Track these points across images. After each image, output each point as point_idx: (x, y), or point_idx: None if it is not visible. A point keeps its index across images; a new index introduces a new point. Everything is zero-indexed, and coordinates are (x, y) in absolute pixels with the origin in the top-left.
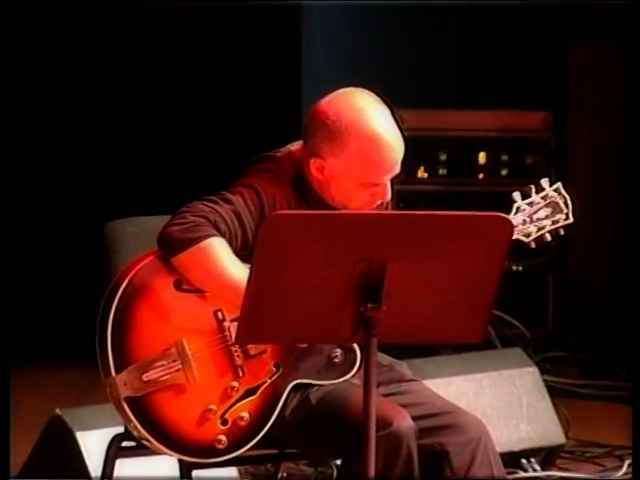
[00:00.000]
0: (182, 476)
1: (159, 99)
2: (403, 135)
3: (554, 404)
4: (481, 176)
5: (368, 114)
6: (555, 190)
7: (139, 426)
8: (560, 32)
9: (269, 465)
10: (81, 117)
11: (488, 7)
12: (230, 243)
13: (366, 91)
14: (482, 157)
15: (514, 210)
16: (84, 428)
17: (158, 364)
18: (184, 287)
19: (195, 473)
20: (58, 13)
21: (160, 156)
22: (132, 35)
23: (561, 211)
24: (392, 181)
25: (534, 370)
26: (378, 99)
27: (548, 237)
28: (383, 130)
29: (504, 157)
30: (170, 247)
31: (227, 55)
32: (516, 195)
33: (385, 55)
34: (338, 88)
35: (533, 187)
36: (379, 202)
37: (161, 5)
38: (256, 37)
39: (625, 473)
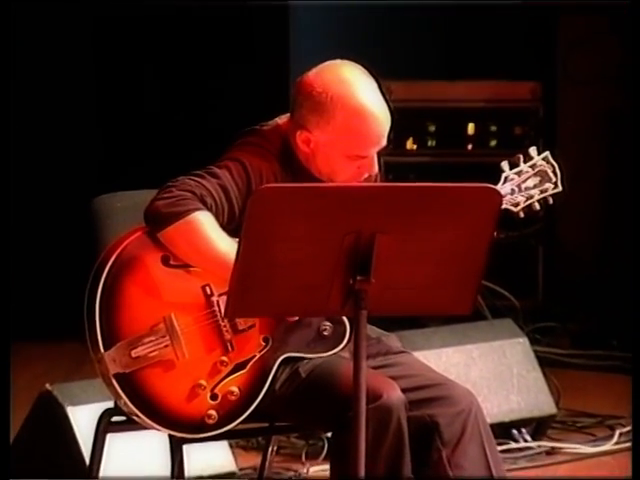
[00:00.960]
0: (172, 451)
1: (148, 78)
2: (390, 108)
3: (544, 374)
4: (470, 147)
5: (355, 86)
6: (543, 159)
7: (129, 402)
8: (549, 3)
9: (260, 438)
10: (70, 92)
11: None
12: (217, 217)
13: (353, 63)
14: (471, 128)
15: (502, 180)
16: (74, 403)
17: (147, 340)
18: (172, 262)
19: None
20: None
21: (148, 131)
22: (121, 26)
23: (550, 180)
24: (379, 154)
25: (524, 340)
26: (365, 71)
27: (537, 206)
28: (370, 103)
29: (493, 128)
30: (156, 222)
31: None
32: (504, 164)
33: (373, 27)
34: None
35: (521, 156)
36: (366, 175)
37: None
38: (245, 35)
39: (616, 443)
